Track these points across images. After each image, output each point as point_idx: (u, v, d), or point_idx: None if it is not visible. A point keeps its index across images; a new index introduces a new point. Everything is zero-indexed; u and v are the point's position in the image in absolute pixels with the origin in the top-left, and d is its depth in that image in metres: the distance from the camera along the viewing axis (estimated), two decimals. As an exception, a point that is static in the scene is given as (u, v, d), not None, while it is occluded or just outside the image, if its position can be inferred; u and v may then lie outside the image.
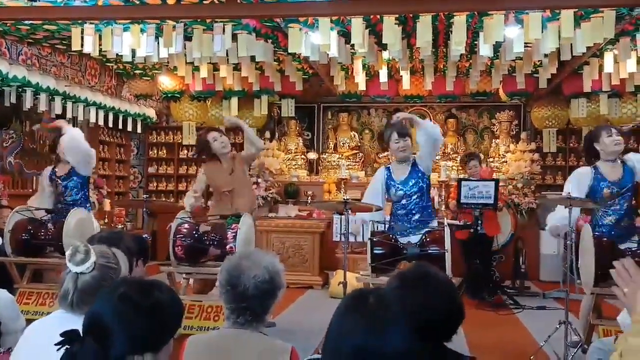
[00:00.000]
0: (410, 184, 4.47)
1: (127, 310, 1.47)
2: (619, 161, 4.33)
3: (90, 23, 5.30)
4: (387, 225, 4.59)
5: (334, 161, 9.32)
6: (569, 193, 4.20)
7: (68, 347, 1.42)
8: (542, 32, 4.74)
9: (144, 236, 4.47)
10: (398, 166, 4.57)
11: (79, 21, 5.32)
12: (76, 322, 1.53)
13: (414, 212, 4.46)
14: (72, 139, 4.98)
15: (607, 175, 4.30)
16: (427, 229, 4.35)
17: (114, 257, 2.00)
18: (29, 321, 2.44)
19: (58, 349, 1.42)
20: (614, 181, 4.28)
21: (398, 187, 4.49)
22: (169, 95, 8.48)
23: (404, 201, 4.49)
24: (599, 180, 4.30)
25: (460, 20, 4.77)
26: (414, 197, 4.47)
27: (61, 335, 1.43)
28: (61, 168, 5.19)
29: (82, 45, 5.40)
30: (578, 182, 4.37)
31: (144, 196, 5.72)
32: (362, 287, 1.83)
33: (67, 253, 1.91)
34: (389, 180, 4.55)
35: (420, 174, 4.49)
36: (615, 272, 1.49)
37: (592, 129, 4.81)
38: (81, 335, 1.45)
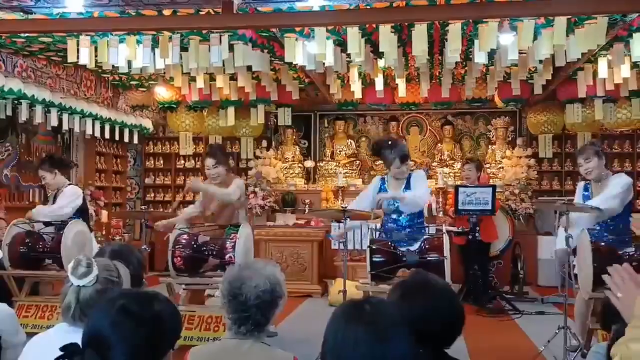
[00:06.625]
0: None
1: (127, 322, 1.47)
2: (610, 179, 4.25)
3: (86, 35, 5.31)
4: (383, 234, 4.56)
5: (331, 169, 9.32)
6: (567, 199, 4.32)
7: None
8: (536, 38, 4.78)
9: (142, 247, 4.46)
10: (394, 181, 4.50)
11: (75, 33, 5.34)
12: (79, 335, 1.53)
13: (405, 227, 4.41)
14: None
15: (592, 192, 4.34)
16: (426, 236, 4.34)
17: (116, 270, 1.99)
18: (28, 334, 2.43)
19: None
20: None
21: (391, 201, 4.41)
22: (166, 105, 8.50)
23: (394, 215, 4.44)
24: (588, 195, 4.38)
25: (455, 28, 4.80)
26: (405, 213, 4.41)
27: (61, 349, 1.43)
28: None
29: (77, 57, 5.41)
30: (577, 193, 4.55)
31: (143, 207, 5.70)
32: (353, 298, 1.85)
33: (70, 266, 1.91)
34: (383, 191, 4.47)
35: None
36: (608, 277, 1.51)
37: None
38: (81, 348, 1.45)
